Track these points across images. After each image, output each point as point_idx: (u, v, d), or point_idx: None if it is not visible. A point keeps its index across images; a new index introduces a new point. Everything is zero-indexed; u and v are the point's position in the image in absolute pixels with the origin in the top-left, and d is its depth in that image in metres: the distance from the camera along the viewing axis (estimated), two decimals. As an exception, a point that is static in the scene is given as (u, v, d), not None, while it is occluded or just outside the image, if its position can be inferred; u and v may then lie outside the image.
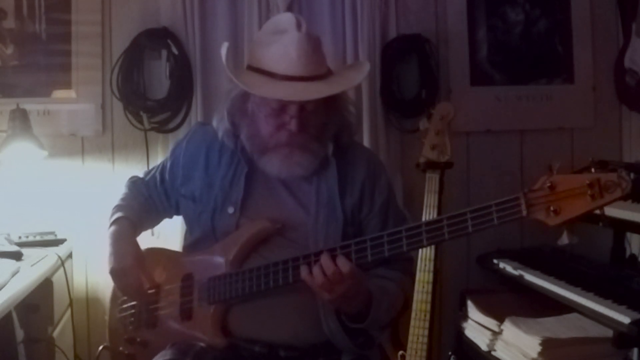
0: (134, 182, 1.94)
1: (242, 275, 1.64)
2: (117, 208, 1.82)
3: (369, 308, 1.61)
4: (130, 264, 1.70)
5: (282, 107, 1.64)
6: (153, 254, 1.83)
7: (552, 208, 1.35)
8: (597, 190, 1.32)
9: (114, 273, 1.71)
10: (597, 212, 1.35)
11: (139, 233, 1.83)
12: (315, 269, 1.51)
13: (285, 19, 1.68)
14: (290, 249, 1.63)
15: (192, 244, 1.81)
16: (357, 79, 1.76)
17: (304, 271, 1.53)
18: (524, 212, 1.37)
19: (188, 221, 1.86)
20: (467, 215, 1.42)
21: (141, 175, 1.97)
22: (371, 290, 1.62)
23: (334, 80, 1.68)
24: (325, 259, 1.50)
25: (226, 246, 1.69)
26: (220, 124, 1.76)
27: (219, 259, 1.69)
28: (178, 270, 1.76)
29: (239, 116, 1.73)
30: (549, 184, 1.37)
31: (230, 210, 1.72)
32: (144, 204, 1.89)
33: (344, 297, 1.53)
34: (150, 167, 1.97)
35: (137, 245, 1.76)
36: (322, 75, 1.66)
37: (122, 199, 1.87)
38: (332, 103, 1.69)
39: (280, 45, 1.63)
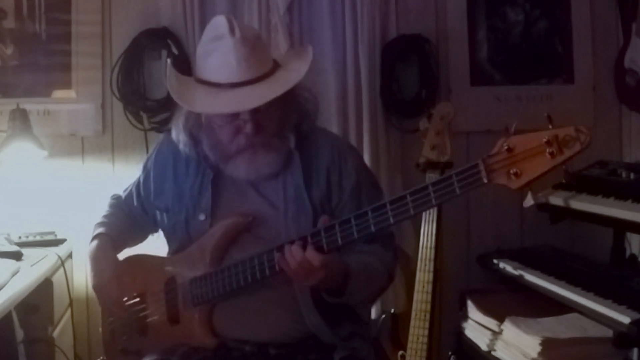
0: (115, 200, 1.95)
1: (221, 273, 1.64)
2: (98, 225, 1.83)
3: (347, 282, 1.58)
4: (108, 280, 1.72)
5: (233, 113, 1.63)
6: (133, 262, 1.83)
7: (512, 171, 1.32)
8: (556, 147, 1.29)
9: (95, 290, 1.74)
10: (564, 167, 1.32)
11: (120, 249, 1.84)
12: (288, 258, 1.50)
13: (219, 23, 1.65)
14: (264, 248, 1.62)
15: (173, 254, 1.81)
16: (301, 69, 1.69)
17: (279, 259, 1.51)
18: (485, 179, 1.35)
19: (166, 234, 1.85)
20: (430, 189, 1.41)
21: (121, 193, 1.96)
22: (349, 264, 1.59)
23: (279, 76, 1.65)
24: (295, 249, 1.49)
25: (202, 246, 1.69)
26: (179, 136, 1.75)
27: (198, 260, 1.69)
28: (160, 276, 1.76)
29: (196, 128, 1.72)
30: (506, 147, 1.32)
31: (202, 217, 1.72)
32: (125, 221, 1.89)
33: (320, 282, 1.52)
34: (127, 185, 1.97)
35: (115, 260, 1.77)
36: (267, 73, 1.64)
37: (104, 216, 1.87)
38: (286, 95, 1.65)
39: (218, 53, 1.61)
